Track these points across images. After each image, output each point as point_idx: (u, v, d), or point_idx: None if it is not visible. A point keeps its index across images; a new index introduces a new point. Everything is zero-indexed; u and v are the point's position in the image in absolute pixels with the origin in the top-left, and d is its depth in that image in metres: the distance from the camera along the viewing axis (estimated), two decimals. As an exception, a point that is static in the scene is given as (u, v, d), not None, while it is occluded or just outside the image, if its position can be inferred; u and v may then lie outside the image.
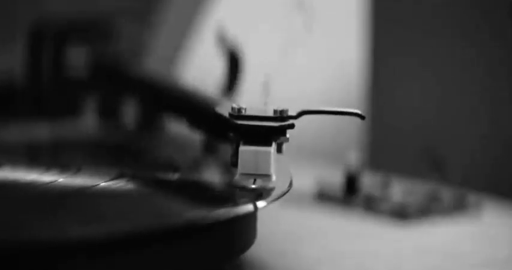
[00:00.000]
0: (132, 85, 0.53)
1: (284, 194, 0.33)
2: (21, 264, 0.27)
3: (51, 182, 0.34)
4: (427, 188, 0.47)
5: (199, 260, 0.31)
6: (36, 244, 0.27)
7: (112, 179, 0.35)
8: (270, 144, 0.34)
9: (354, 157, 0.47)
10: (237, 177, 0.33)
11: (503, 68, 0.58)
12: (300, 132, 0.35)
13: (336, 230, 0.43)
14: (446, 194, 0.47)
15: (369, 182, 0.49)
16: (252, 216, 0.34)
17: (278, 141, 0.34)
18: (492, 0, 0.58)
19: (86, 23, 0.58)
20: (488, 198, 0.48)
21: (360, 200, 0.46)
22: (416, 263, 0.38)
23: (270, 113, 0.34)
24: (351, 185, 0.47)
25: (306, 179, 0.49)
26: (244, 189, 0.33)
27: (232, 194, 0.34)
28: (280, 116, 0.34)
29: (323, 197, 0.48)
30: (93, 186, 0.34)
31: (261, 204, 0.31)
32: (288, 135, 0.34)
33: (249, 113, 0.34)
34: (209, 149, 0.42)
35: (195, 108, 0.42)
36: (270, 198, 0.32)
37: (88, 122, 0.55)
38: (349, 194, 0.47)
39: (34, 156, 0.47)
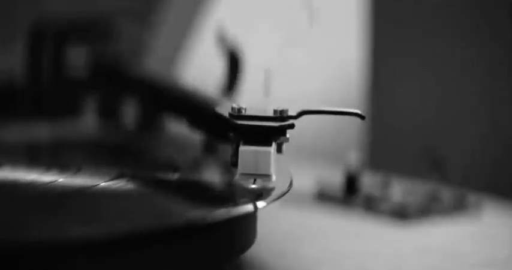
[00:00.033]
0: (132, 85, 0.53)
1: (284, 194, 0.33)
2: (21, 264, 0.27)
3: (51, 182, 0.34)
4: (427, 188, 0.47)
5: (199, 260, 0.31)
6: (36, 244, 0.27)
7: (112, 179, 0.35)
8: (270, 144, 0.34)
9: (354, 157, 0.47)
10: (237, 177, 0.33)
11: (503, 68, 0.58)
12: (300, 132, 0.35)
13: (336, 230, 0.43)
14: (446, 194, 0.47)
15: (369, 182, 0.49)
16: (252, 216, 0.34)
17: (278, 141, 0.34)
18: (492, 0, 0.58)
19: (86, 23, 0.58)
20: (488, 198, 0.48)
21: (360, 200, 0.46)
22: (416, 263, 0.38)
23: (270, 113, 0.34)
24: (351, 185, 0.47)
25: (306, 179, 0.49)
26: (244, 189, 0.33)
27: (232, 194, 0.34)
28: (280, 116, 0.34)
29: (323, 197, 0.48)
30: (93, 186, 0.34)
31: (261, 204, 0.31)
32: (288, 135, 0.34)
33: (249, 113, 0.34)
34: (209, 149, 0.42)
35: (195, 108, 0.42)
36: (270, 198, 0.32)
37: (88, 122, 0.55)
38: (349, 194, 0.47)
39: (34, 156, 0.47)
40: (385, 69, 0.64)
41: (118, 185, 0.34)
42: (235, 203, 0.32)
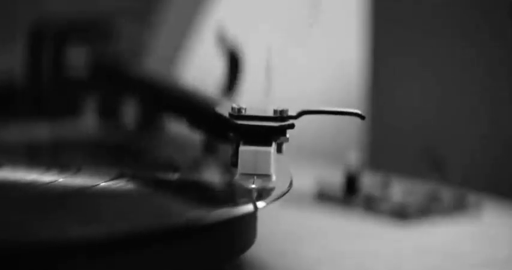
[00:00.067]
0: (132, 85, 0.53)
1: (284, 194, 0.33)
2: (21, 264, 0.27)
3: (51, 182, 0.34)
4: (427, 188, 0.47)
5: (199, 260, 0.31)
6: (36, 244, 0.27)
7: (112, 179, 0.35)
8: (270, 144, 0.34)
9: (354, 157, 0.47)
10: (237, 177, 0.33)
11: (503, 68, 0.58)
12: (300, 132, 0.35)
13: (336, 230, 0.43)
14: (446, 194, 0.47)
15: (369, 182, 0.48)
16: (252, 216, 0.34)
17: (278, 141, 0.34)
18: (492, 0, 0.58)
19: (86, 23, 0.58)
20: (488, 198, 0.48)
21: (360, 200, 0.46)
22: (416, 263, 0.38)
23: (270, 113, 0.34)
24: (351, 185, 0.47)
25: (306, 179, 0.49)
26: (244, 189, 0.33)
27: (232, 194, 0.34)
28: (280, 116, 0.34)
29: (323, 197, 0.48)
30: (93, 186, 0.34)
31: (261, 204, 0.31)
32: (288, 135, 0.34)
33: (249, 113, 0.34)
34: (209, 149, 0.42)
35: (195, 108, 0.42)
36: (270, 198, 0.32)
37: (88, 122, 0.55)
38: (349, 194, 0.47)
39: (34, 156, 0.47)
40: (385, 69, 0.64)
41: (118, 185, 0.34)
42: (235, 203, 0.32)
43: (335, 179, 0.48)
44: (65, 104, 0.57)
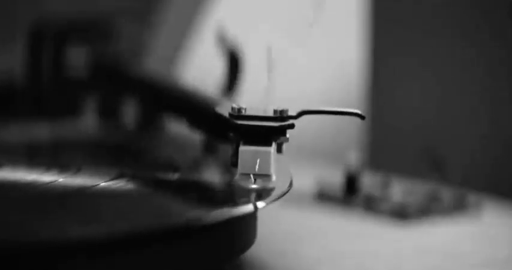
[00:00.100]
0: (132, 85, 0.53)
1: (284, 194, 0.33)
2: (21, 264, 0.27)
3: (51, 182, 0.34)
4: (427, 188, 0.47)
5: (199, 260, 0.31)
6: (36, 244, 0.27)
7: (112, 179, 0.35)
8: (270, 144, 0.34)
9: (354, 157, 0.47)
10: (237, 177, 0.33)
11: (503, 68, 0.58)
12: (300, 132, 0.35)
13: (336, 230, 0.43)
14: (446, 194, 0.47)
15: (369, 182, 0.49)
16: (252, 216, 0.34)
17: (278, 141, 0.34)
18: (492, 0, 0.58)
19: (86, 23, 0.58)
20: (488, 198, 0.48)
21: (360, 200, 0.46)
22: (416, 263, 0.38)
23: (270, 113, 0.34)
24: (351, 185, 0.47)
25: (306, 179, 0.49)
26: (244, 189, 0.33)
27: (232, 194, 0.34)
28: (280, 116, 0.34)
29: (323, 197, 0.48)
30: (93, 186, 0.34)
31: (261, 204, 0.31)
32: (288, 135, 0.34)
33: (249, 113, 0.34)
34: (209, 149, 0.42)
35: (195, 108, 0.42)
36: (270, 199, 0.32)
37: (88, 122, 0.55)
38: (349, 194, 0.47)
39: (34, 156, 0.47)
40: (385, 69, 0.64)
41: (118, 185, 0.34)
42: (235, 203, 0.32)
43: (335, 179, 0.48)
44: (65, 104, 0.57)
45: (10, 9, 0.61)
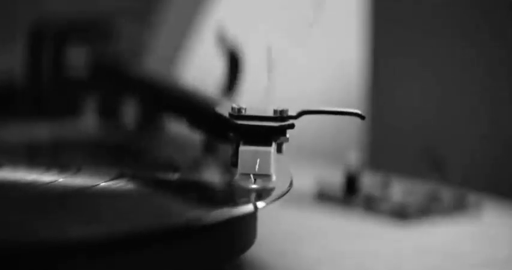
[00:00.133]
0: (132, 85, 0.53)
1: (284, 194, 0.33)
2: (21, 264, 0.27)
3: (51, 182, 0.34)
4: (427, 188, 0.47)
5: (199, 260, 0.31)
6: (36, 244, 0.27)
7: (112, 179, 0.35)
8: (270, 144, 0.34)
9: (354, 157, 0.47)
10: (237, 177, 0.33)
11: (503, 68, 0.58)
12: (300, 132, 0.35)
13: (336, 230, 0.43)
14: (446, 194, 0.47)
15: (369, 182, 0.48)
16: (252, 217, 0.34)
17: (278, 141, 0.34)
18: (492, 0, 0.58)
19: (86, 23, 0.58)
20: (488, 198, 0.48)
21: (360, 200, 0.46)
22: (416, 263, 0.38)
23: (270, 113, 0.34)
24: (351, 185, 0.47)
25: (306, 179, 0.49)
26: (244, 189, 0.33)
27: (232, 194, 0.34)
28: (280, 116, 0.34)
29: (323, 197, 0.48)
30: (93, 186, 0.34)
31: (261, 204, 0.31)
32: (288, 135, 0.34)
33: (249, 113, 0.34)
34: (209, 149, 0.42)
35: (195, 108, 0.42)
36: (270, 199, 0.32)
37: (88, 122, 0.55)
38: (349, 194, 0.47)
39: (34, 156, 0.47)
40: (385, 69, 0.64)
41: (118, 185, 0.34)
42: (235, 203, 0.32)
43: (335, 179, 0.48)
44: (65, 104, 0.57)
45: (10, 9, 0.61)
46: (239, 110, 0.34)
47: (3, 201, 0.32)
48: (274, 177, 0.33)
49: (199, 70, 0.61)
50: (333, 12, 0.66)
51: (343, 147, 0.62)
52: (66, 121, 0.54)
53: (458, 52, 0.60)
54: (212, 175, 0.39)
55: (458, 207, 0.46)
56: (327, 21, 0.65)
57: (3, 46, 0.60)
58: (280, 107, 0.34)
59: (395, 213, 0.45)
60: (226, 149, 0.36)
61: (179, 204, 0.33)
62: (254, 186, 0.33)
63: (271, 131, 0.34)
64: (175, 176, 0.37)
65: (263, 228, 0.36)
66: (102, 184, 0.34)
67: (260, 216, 0.35)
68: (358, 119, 0.34)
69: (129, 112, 0.53)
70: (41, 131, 0.52)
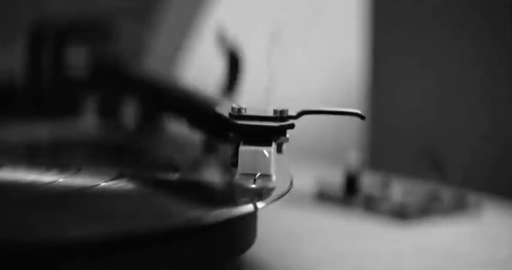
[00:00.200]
0: (132, 85, 0.53)
1: (284, 194, 0.33)
2: (21, 264, 0.27)
3: (51, 182, 0.34)
4: (427, 188, 0.47)
5: (199, 260, 0.31)
6: (36, 244, 0.27)
7: (112, 179, 0.35)
8: (270, 144, 0.34)
9: (354, 157, 0.47)
10: (237, 177, 0.33)
11: (503, 68, 0.58)
12: (300, 132, 0.35)
13: (336, 230, 0.43)
14: (446, 194, 0.47)
15: (369, 182, 0.49)
16: (252, 217, 0.34)
17: (278, 141, 0.34)
18: (492, 0, 0.58)
19: (86, 23, 0.58)
20: (488, 198, 0.48)
21: (360, 200, 0.46)
22: (416, 263, 0.38)
23: (270, 113, 0.34)
24: (351, 185, 0.47)
25: (306, 179, 0.49)
26: (244, 189, 0.33)
27: (232, 194, 0.34)
28: (280, 116, 0.34)
29: (323, 197, 0.48)
30: (93, 186, 0.34)
31: (261, 204, 0.31)
32: (288, 135, 0.34)
33: (249, 113, 0.34)
34: (209, 149, 0.42)
35: (195, 108, 0.42)
36: (270, 198, 0.32)
37: (88, 122, 0.55)
38: (349, 194, 0.47)
39: (34, 156, 0.47)
40: (385, 69, 0.64)
41: (118, 185, 0.34)
42: (235, 203, 0.32)
43: (335, 179, 0.48)
44: (65, 104, 0.57)
45: (10, 9, 0.61)
46: (239, 110, 0.34)
47: (3, 201, 0.32)
48: (274, 177, 0.33)
49: (199, 70, 0.61)
50: (333, 12, 0.66)
51: (343, 147, 0.62)
52: (66, 121, 0.54)
53: (458, 52, 0.60)
54: (212, 175, 0.39)
55: (458, 207, 0.46)
56: (327, 21, 0.65)
57: (3, 46, 0.60)
58: (280, 107, 0.34)
59: (395, 213, 0.45)
60: (226, 149, 0.36)
61: (179, 204, 0.33)
62: (254, 186, 0.33)
63: (271, 131, 0.34)
64: (175, 176, 0.37)
65: (263, 228, 0.36)
66: (102, 184, 0.34)
67: (260, 216, 0.35)
68: (358, 119, 0.34)
69: (129, 112, 0.53)
70: (41, 131, 0.52)
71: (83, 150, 0.48)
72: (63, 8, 0.61)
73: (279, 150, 0.34)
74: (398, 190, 0.48)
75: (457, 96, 0.60)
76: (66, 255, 0.28)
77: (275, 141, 0.34)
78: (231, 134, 0.34)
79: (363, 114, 0.34)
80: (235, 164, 0.34)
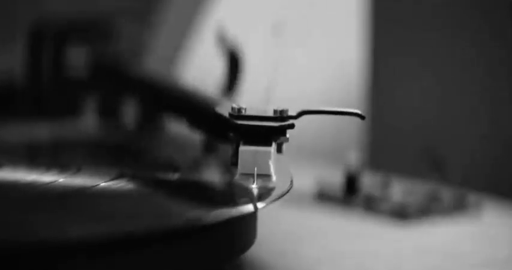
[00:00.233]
0: (132, 85, 0.53)
1: (284, 194, 0.33)
2: (21, 264, 0.27)
3: (51, 182, 0.34)
4: (427, 188, 0.47)
5: (199, 260, 0.31)
6: (36, 244, 0.27)
7: (112, 179, 0.35)
8: (270, 144, 0.34)
9: (354, 157, 0.47)
10: (237, 177, 0.33)
11: (503, 68, 0.58)
12: (300, 132, 0.35)
13: (336, 230, 0.43)
14: (446, 194, 0.47)
15: (369, 182, 0.48)
16: (252, 217, 0.34)
17: (278, 141, 0.34)
18: (492, 0, 0.58)
19: (86, 23, 0.58)
20: (488, 198, 0.48)
21: (360, 200, 0.46)
22: (416, 263, 0.38)
23: (270, 113, 0.34)
24: (351, 185, 0.47)
25: (306, 179, 0.49)
26: (244, 189, 0.33)
27: (232, 194, 0.34)
28: (280, 116, 0.34)
29: (323, 197, 0.48)
30: (93, 186, 0.34)
31: (261, 204, 0.31)
32: (288, 135, 0.34)
33: (249, 113, 0.34)
34: (209, 149, 0.42)
35: (195, 108, 0.42)
36: (270, 198, 0.32)
37: (88, 122, 0.55)
38: (349, 194, 0.47)
39: (34, 156, 0.47)
40: (385, 69, 0.64)
41: (118, 185, 0.34)
42: (235, 203, 0.32)
43: (335, 179, 0.48)
44: (65, 104, 0.57)
45: (10, 9, 0.61)
46: (239, 110, 0.34)
47: (3, 201, 0.32)
48: (274, 177, 0.33)
49: (199, 70, 0.61)
50: (333, 12, 0.66)
51: (343, 147, 0.62)
52: (66, 121, 0.54)
53: (458, 52, 0.60)
54: (212, 175, 0.39)
55: (458, 207, 0.46)
56: (327, 21, 0.65)
57: (3, 46, 0.60)
58: (280, 107, 0.34)
59: (395, 213, 0.45)
60: (226, 149, 0.36)
61: (179, 204, 0.33)
62: (254, 186, 0.33)
63: (271, 131, 0.34)
64: (175, 176, 0.37)
65: (263, 228, 0.36)
66: (102, 184, 0.34)
67: (260, 216, 0.35)
68: (358, 119, 0.34)
69: (129, 112, 0.53)
70: (41, 131, 0.52)
71: (83, 150, 0.48)
72: (63, 8, 0.61)
73: (279, 150, 0.34)
74: (398, 190, 0.48)
75: (457, 96, 0.60)
76: (66, 255, 0.28)
77: (275, 141, 0.34)
78: (231, 134, 0.34)
79: (363, 114, 0.34)
80: (235, 164, 0.34)
